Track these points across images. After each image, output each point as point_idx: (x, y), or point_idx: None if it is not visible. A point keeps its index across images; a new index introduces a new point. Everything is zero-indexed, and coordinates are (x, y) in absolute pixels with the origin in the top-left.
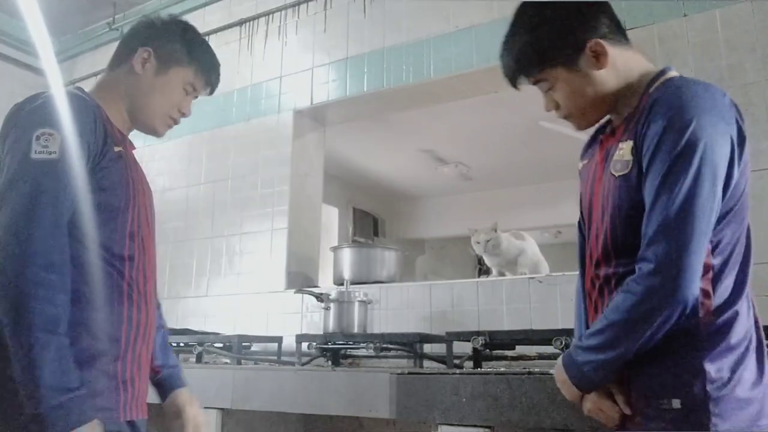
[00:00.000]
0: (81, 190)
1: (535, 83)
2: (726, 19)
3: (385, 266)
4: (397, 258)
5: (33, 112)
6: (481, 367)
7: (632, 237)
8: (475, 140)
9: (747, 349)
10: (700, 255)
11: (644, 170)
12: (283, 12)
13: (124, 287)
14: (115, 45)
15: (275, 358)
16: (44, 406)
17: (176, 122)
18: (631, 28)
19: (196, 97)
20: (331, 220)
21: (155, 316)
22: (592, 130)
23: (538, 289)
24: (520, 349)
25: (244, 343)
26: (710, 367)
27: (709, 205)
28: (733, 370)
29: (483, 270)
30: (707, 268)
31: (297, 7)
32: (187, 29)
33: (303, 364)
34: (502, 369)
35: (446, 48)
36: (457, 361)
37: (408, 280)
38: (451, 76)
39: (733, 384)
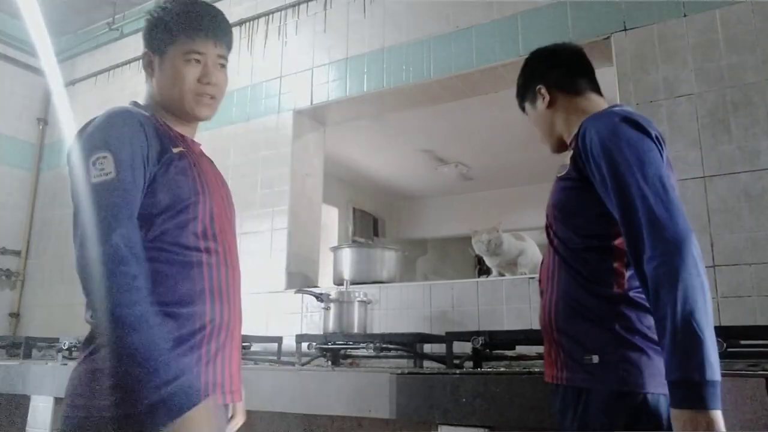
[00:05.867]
0: (140, 197)
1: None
2: (726, 19)
3: (385, 266)
4: (397, 258)
5: (87, 140)
6: (481, 367)
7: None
8: (475, 140)
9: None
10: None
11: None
12: (283, 12)
13: (204, 278)
14: (115, 45)
15: (275, 358)
16: (160, 394)
17: (211, 96)
18: (631, 28)
19: (225, 62)
20: (331, 220)
21: (240, 307)
22: None
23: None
24: (520, 349)
25: (244, 343)
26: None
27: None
28: (644, 336)
29: (483, 270)
30: (622, 252)
31: (297, 7)
32: (161, 11)
33: (303, 364)
34: (502, 369)
35: (446, 48)
36: (457, 361)
37: (408, 280)
38: (451, 76)
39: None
